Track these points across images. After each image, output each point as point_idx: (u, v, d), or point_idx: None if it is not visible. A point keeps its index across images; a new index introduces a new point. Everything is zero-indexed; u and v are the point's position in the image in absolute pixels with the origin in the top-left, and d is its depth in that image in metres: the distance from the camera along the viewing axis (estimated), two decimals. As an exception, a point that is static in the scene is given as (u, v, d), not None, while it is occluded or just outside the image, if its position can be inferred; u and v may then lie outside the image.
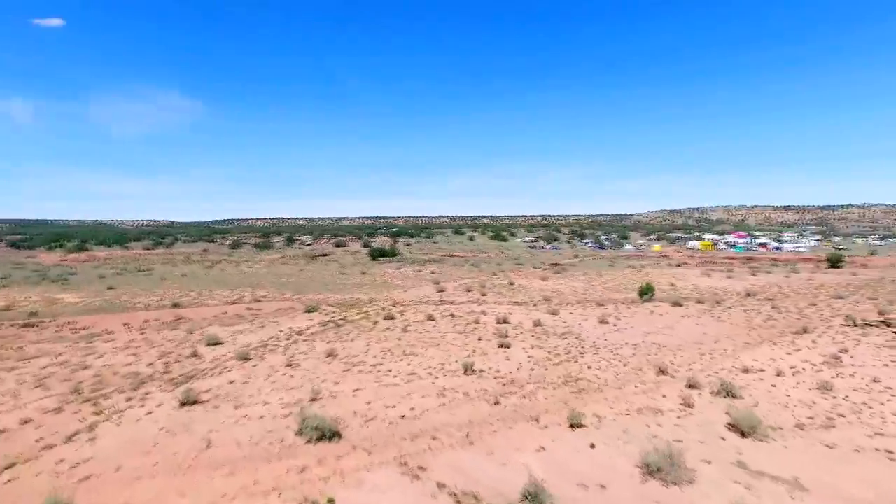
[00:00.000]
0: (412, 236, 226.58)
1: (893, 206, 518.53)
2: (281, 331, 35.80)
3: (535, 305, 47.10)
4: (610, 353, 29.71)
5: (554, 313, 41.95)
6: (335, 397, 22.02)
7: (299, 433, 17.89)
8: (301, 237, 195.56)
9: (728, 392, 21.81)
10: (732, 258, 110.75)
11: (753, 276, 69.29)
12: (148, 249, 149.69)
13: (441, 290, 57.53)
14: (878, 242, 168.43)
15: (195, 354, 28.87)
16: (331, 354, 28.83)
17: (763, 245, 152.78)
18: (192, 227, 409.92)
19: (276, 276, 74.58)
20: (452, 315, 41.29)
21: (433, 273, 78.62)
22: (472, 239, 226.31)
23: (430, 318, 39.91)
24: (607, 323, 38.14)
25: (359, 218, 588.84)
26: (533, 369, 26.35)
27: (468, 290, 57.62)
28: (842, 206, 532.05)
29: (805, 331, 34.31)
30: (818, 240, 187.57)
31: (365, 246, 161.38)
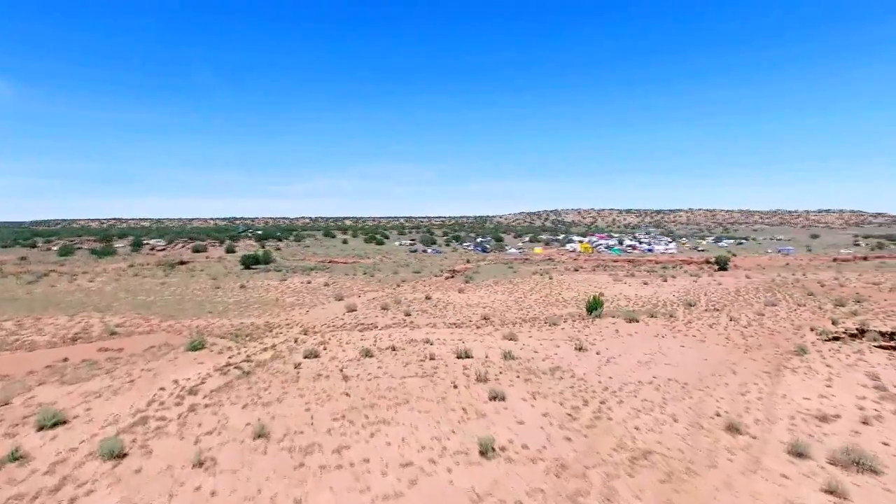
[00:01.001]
0: (280, 239, 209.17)
1: (710, 210, 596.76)
2: (163, 388, 24.42)
3: (478, 328, 39.72)
4: (634, 398, 23.18)
5: (512, 339, 34.86)
6: (312, 544, 12.63)
7: None
8: (150, 241, 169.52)
9: (860, 464, 16.12)
10: (617, 260, 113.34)
11: (665, 281, 68.66)
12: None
13: (352, 310, 47.90)
14: (722, 244, 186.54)
15: (17, 456, 17.01)
16: (261, 435, 18.77)
17: (632, 247, 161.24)
18: (2, 227, 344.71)
19: (130, 294, 59.01)
20: (393, 348, 32.34)
21: (327, 285, 68.03)
22: (345, 242, 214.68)
23: (367, 353, 30.66)
24: (585, 350, 31.87)
25: (213, 219, 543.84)
26: (569, 438, 18.80)
27: (384, 308, 48.65)
28: (672, 211, 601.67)
29: (803, 350, 30.82)
30: (669, 241, 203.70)
31: (229, 251, 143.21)
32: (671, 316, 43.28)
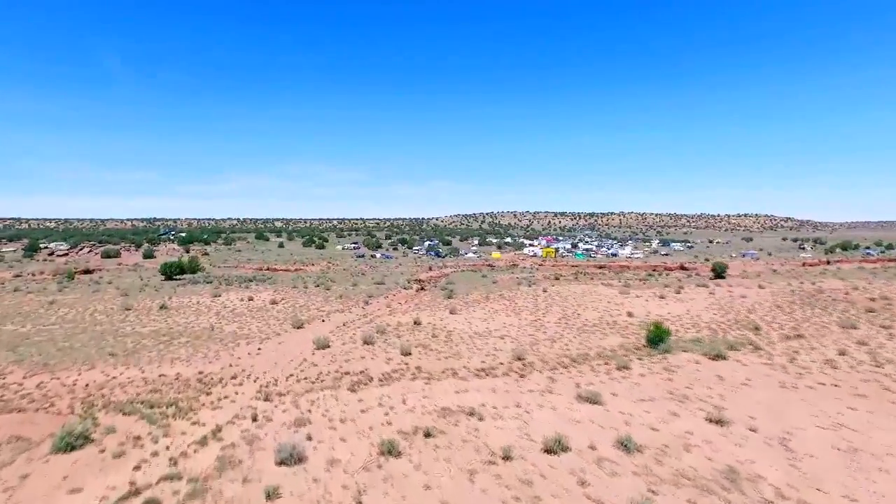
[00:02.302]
0: (207, 243, 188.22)
1: (641, 213, 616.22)
2: None
3: (521, 376, 27.42)
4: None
5: (594, 401, 22.84)
6: None
7: None
8: (50, 244, 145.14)
9: None
10: (590, 266, 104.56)
11: (678, 293, 58.86)
12: None
13: (323, 346, 34.25)
14: (676, 247, 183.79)
15: None
16: None
17: (591, 251, 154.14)
18: None
19: (-5, 323, 42.39)
20: (427, 434, 19.30)
21: (276, 304, 53.62)
22: (281, 246, 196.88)
23: (390, 449, 17.56)
24: (727, 423, 20.40)
25: (130, 220, 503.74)
26: None
27: (368, 343, 35.37)
28: (605, 214, 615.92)
29: None
30: (623, 245, 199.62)
31: (147, 256, 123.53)
32: (756, 349, 32.84)
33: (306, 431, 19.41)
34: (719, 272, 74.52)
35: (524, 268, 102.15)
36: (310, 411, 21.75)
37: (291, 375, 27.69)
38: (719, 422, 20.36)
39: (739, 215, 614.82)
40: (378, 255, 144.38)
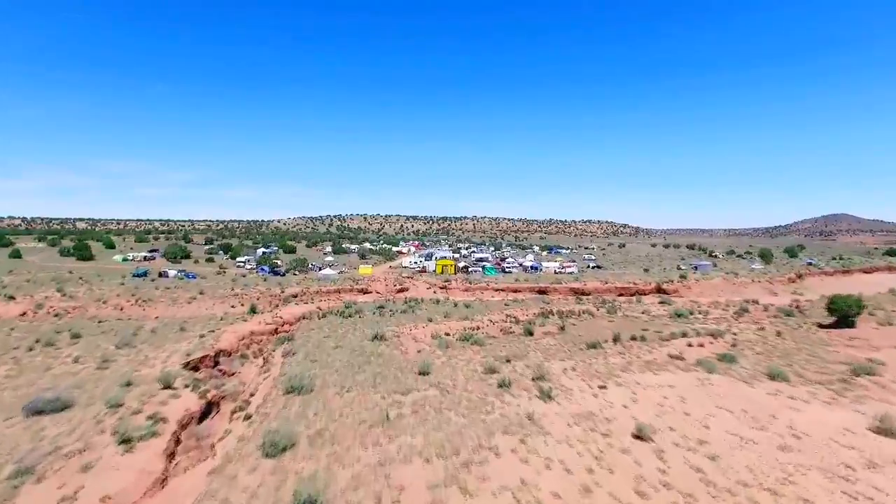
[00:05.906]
0: None
1: (494, 218, 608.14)
2: None
3: None
4: None
5: None
6: None
7: None
8: None
9: None
10: (528, 290, 63.38)
11: None
12: None
13: None
14: (559, 253, 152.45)
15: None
16: None
17: (495, 262, 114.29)
18: None
19: None
20: None
21: None
22: (17, 256, 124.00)
23: None
24: None
25: None
26: None
27: None
28: (458, 218, 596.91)
29: None
30: (528, 254, 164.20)
31: None
32: None
33: None
34: (847, 314, 36.47)
35: (433, 300, 57.41)
36: None
37: None
38: None
39: (584, 221, 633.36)
40: (172, 274, 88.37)
